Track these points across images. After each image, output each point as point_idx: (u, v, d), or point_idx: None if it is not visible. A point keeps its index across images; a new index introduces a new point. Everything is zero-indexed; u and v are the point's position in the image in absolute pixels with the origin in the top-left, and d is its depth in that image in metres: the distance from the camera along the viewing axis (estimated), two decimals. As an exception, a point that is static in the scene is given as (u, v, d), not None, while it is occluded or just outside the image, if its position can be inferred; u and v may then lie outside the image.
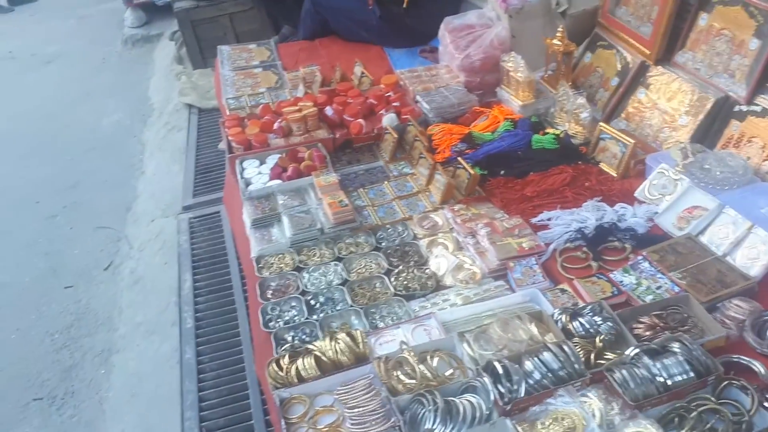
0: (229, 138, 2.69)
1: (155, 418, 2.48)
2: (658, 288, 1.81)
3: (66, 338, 3.03)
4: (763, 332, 1.61)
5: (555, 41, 2.80)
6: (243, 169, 2.56)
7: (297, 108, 2.74)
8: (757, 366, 1.53)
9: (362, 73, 3.21)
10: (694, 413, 1.41)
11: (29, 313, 3.21)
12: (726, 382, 1.48)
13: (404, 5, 3.43)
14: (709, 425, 1.39)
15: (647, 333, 1.64)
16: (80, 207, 3.99)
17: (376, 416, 1.52)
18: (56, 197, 4.11)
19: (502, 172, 2.46)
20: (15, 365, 2.93)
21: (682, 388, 1.46)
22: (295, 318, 1.91)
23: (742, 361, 1.55)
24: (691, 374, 1.47)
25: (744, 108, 2.27)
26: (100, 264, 3.46)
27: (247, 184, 2.48)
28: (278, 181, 2.46)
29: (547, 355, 1.55)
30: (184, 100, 4.80)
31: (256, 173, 2.54)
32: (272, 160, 2.59)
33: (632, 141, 2.36)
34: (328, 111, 2.79)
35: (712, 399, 1.43)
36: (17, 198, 4.15)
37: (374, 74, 3.18)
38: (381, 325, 1.85)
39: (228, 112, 3.06)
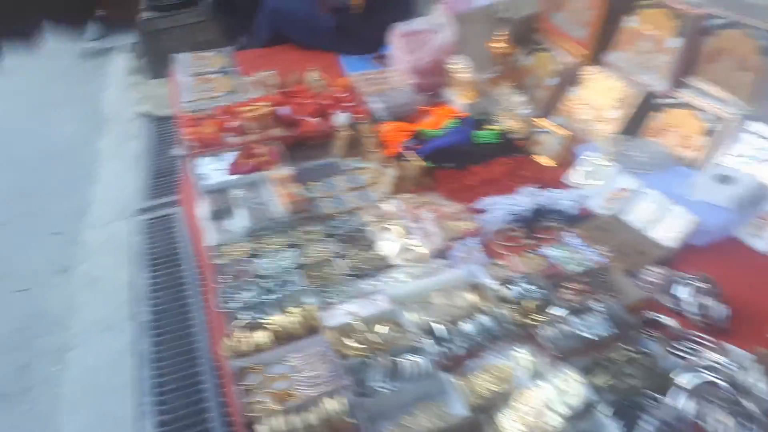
0: (186, 137, 2.78)
1: (112, 405, 2.52)
2: (586, 260, 1.98)
3: (20, 339, 3.03)
4: (675, 294, 1.78)
5: (498, 45, 2.99)
6: (200, 166, 2.65)
7: (253, 107, 2.85)
8: (670, 321, 1.70)
9: (317, 77, 3.34)
10: (614, 362, 1.56)
11: (-21, 318, 3.21)
12: (643, 335, 1.64)
13: (359, 10, 3.58)
14: (627, 371, 1.54)
15: (574, 297, 1.79)
16: (34, 214, 3.99)
17: (327, 378, 1.63)
18: (9, 205, 4.10)
19: (448, 165, 2.61)
20: (-33, 367, 2.93)
21: (604, 341, 1.61)
22: (252, 299, 2.01)
23: (657, 318, 1.72)
24: (612, 329, 1.63)
25: (665, 101, 2.48)
26: (54, 268, 3.48)
27: (204, 179, 2.57)
28: (234, 177, 2.56)
29: (483, 318, 1.70)
30: (140, 110, 4.85)
31: (213, 169, 2.63)
32: (228, 157, 2.68)
33: (566, 133, 2.54)
34: (283, 110, 2.90)
35: (630, 349, 1.59)
36: (-33, 206, 4.13)
37: (329, 79, 3.31)
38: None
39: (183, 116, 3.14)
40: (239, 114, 2.84)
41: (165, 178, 4.02)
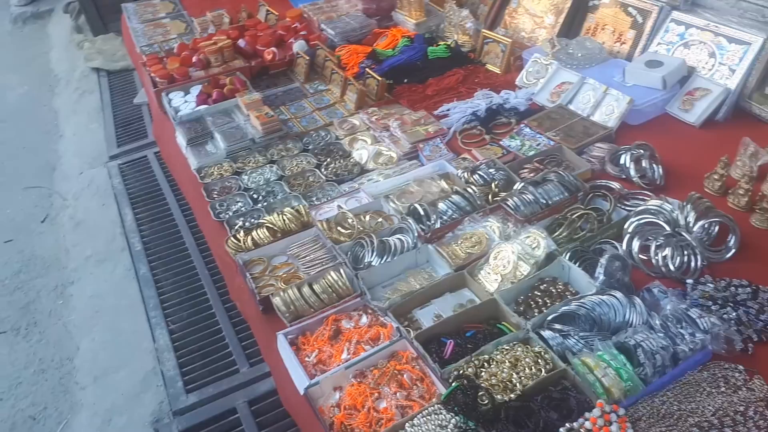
0: (152, 75, 2.88)
1: (124, 323, 2.71)
2: (538, 145, 2.23)
3: (17, 282, 3.15)
4: (618, 162, 2.05)
5: (438, -35, 3.14)
6: (170, 101, 2.77)
7: (212, 42, 2.96)
8: (616, 185, 1.97)
9: (267, 11, 3.44)
10: (569, 219, 1.82)
11: (-28, 267, 3.30)
12: (590, 195, 1.91)
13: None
14: (580, 225, 1.81)
15: (531, 175, 2.04)
16: (3, 173, 4.02)
17: (325, 260, 1.85)
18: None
19: (406, 80, 2.80)
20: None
21: (559, 204, 1.87)
22: (242, 208, 2.19)
23: (605, 184, 1.98)
24: (565, 194, 1.89)
25: (596, 2, 2.72)
26: (36, 218, 3.56)
27: (177, 111, 2.69)
28: (205, 106, 2.69)
29: (455, 197, 1.93)
30: (91, 65, 4.84)
31: (183, 102, 2.75)
32: (196, 89, 2.80)
33: (510, 40, 2.76)
34: (241, 43, 3.02)
35: (582, 206, 1.85)
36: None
37: (278, 12, 3.41)
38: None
39: (144, 58, 3.22)
40: (200, 49, 2.95)
41: (130, 126, 4.09)
